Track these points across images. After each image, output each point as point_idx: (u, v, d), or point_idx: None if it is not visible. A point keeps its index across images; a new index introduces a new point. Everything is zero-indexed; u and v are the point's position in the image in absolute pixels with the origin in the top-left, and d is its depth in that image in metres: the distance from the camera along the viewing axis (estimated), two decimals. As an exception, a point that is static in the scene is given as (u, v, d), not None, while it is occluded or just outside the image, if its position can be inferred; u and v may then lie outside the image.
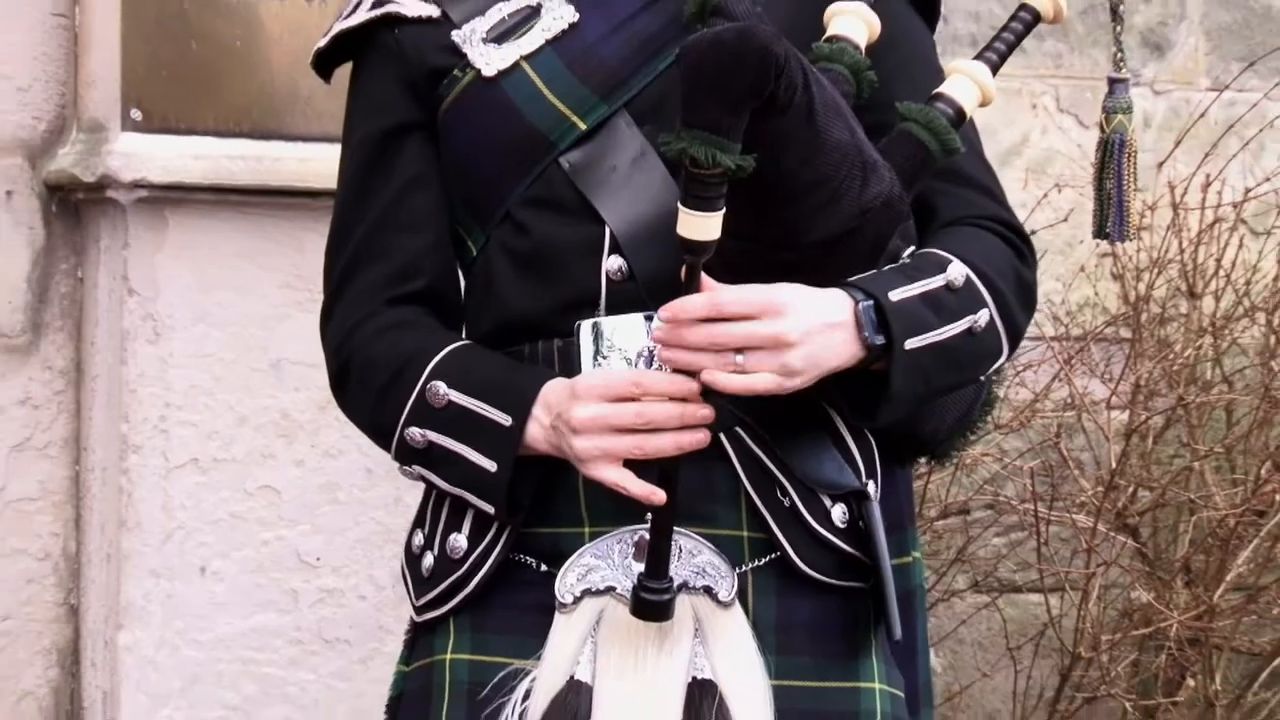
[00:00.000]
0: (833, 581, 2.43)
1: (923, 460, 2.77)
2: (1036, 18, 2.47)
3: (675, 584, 2.35)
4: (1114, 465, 4.16)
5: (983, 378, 2.51)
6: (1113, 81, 2.53)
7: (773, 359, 2.30)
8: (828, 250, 2.35)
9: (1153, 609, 4.12)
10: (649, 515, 2.35)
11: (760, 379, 2.30)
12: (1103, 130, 2.54)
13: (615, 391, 2.34)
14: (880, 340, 2.33)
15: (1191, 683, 4.19)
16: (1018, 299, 2.47)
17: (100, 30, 3.79)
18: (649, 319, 2.39)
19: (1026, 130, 4.25)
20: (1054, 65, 4.25)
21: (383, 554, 2.50)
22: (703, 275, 2.29)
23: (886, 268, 2.39)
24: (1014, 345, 2.47)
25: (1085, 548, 4.12)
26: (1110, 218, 2.55)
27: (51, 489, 3.89)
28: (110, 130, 3.78)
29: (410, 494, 2.56)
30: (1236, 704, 4.24)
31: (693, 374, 2.31)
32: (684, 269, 2.28)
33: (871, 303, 2.34)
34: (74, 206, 3.87)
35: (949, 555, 4.16)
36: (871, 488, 2.46)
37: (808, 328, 2.31)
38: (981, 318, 2.41)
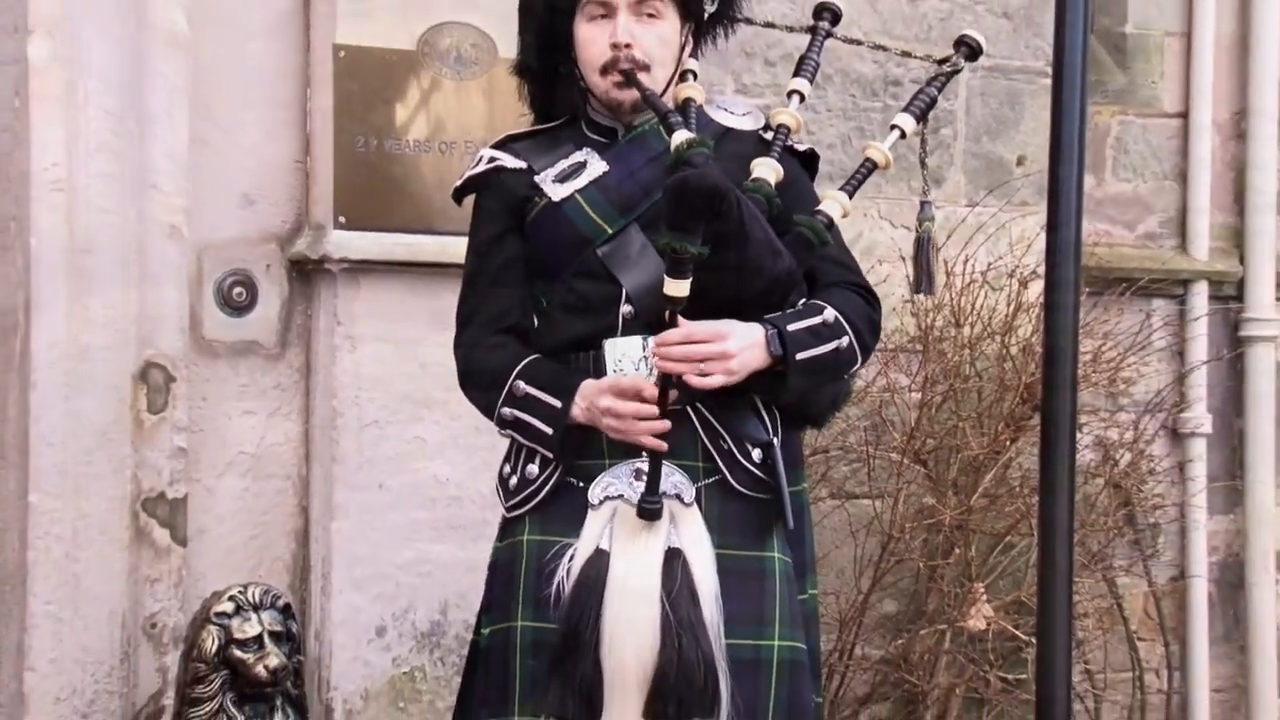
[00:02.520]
0: (752, 494, 2.44)
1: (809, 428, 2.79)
2: (875, 166, 2.50)
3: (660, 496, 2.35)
4: (913, 425, 4.14)
5: (846, 376, 2.52)
6: (922, 203, 2.58)
7: (722, 365, 2.32)
8: (754, 302, 2.36)
9: (935, 508, 4.10)
10: (644, 454, 2.36)
11: (715, 379, 2.32)
12: (917, 231, 2.58)
13: (622, 391, 2.35)
14: (780, 353, 2.35)
15: (958, 551, 4.18)
16: (867, 329, 2.48)
17: (321, 170, 3.76)
18: (644, 341, 2.41)
19: (861, 228, 4.23)
20: (877, 190, 4.25)
21: (486, 478, 2.49)
22: (678, 317, 2.30)
23: (789, 311, 2.41)
24: (866, 356, 2.49)
25: (896, 473, 4.10)
26: (923, 282, 2.58)
27: (291, 438, 3.85)
28: (327, 229, 3.74)
29: (503, 443, 2.57)
30: (984, 564, 4.23)
31: (669, 377, 2.32)
32: (666, 314, 2.30)
33: (776, 331, 2.36)
34: (306, 273, 3.83)
35: (817, 476, 4.14)
36: (776, 440, 2.46)
37: (741, 345, 2.33)
38: (844, 341, 2.42)
